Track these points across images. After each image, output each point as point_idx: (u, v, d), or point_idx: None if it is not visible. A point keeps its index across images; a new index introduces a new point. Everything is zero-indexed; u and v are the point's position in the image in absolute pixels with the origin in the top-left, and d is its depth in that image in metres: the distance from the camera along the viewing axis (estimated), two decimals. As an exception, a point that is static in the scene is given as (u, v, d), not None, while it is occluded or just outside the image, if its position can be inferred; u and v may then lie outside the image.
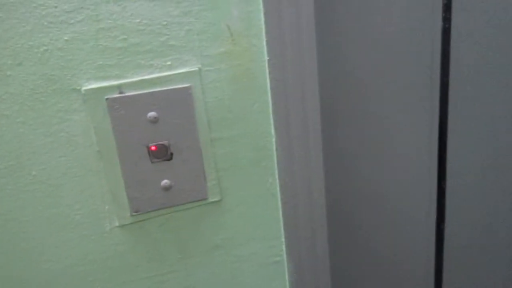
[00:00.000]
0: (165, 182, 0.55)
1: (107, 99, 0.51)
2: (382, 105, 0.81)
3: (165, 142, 0.54)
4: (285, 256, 0.63)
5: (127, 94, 0.51)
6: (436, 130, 0.87)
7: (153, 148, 0.54)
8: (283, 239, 0.62)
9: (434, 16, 0.79)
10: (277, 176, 0.60)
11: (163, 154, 0.54)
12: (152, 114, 0.53)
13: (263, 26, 0.54)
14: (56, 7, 0.46)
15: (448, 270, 0.96)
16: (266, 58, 0.55)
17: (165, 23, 0.51)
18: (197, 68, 0.53)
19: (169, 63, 0.52)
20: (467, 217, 0.94)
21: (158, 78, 0.52)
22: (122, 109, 0.51)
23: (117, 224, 0.55)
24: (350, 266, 0.89)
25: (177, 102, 0.53)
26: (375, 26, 0.76)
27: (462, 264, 0.97)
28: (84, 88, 0.50)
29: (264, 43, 0.55)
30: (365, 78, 0.79)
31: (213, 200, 0.58)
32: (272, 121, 0.58)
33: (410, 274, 0.93)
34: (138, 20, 0.49)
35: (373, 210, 0.87)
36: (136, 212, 0.55)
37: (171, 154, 0.55)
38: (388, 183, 0.86)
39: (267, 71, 0.56)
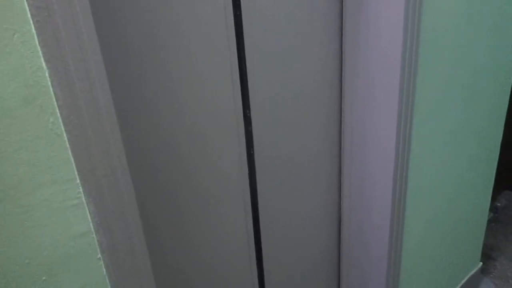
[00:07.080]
0: None
1: None
2: (179, 42, 0.81)
3: None
4: (83, 197, 0.60)
5: None
6: (236, 65, 0.92)
7: None
8: (78, 181, 0.59)
9: None
10: (58, 114, 0.55)
11: None
12: None
13: None
14: None
15: (261, 188, 1.06)
16: (18, -21, 0.49)
17: None
18: None
19: None
20: (272, 141, 1.04)
21: None
22: None
23: None
24: (159, 197, 0.90)
25: None
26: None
27: (273, 182, 1.08)
28: None
29: (13, -39, 0.48)
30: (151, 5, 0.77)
31: (-21, 148, 0.50)
32: (41, 53, 0.52)
33: (225, 198, 1.00)
34: None
35: (182, 144, 0.89)
36: None
37: None
38: (196, 115, 0.88)
39: (23, -5, 0.49)
